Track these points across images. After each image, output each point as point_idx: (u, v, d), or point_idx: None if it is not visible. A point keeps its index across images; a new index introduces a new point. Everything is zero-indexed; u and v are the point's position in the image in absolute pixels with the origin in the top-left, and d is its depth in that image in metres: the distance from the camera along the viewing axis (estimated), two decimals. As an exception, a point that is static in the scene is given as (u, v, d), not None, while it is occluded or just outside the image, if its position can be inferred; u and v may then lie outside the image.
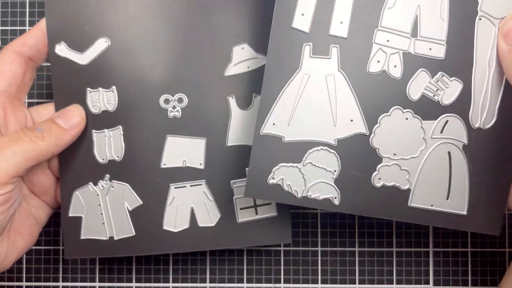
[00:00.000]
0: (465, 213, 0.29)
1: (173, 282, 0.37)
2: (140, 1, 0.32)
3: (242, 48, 0.32)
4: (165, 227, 0.32)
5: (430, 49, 0.27)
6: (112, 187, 0.32)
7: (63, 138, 0.30)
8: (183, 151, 0.32)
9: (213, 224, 0.33)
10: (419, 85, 0.28)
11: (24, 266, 0.37)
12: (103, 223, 0.32)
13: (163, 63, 0.32)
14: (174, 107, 0.32)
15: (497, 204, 0.29)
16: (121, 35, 0.32)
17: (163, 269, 0.37)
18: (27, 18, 0.37)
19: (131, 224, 0.32)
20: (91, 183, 0.32)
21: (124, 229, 0.32)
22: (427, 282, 0.37)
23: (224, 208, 0.33)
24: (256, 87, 0.33)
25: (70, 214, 0.32)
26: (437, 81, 0.28)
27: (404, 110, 0.28)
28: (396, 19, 0.27)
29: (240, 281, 0.37)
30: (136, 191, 0.32)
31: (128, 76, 0.32)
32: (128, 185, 0.32)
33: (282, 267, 0.37)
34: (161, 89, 0.32)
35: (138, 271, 0.37)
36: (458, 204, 0.29)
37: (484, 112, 0.28)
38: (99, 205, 0.32)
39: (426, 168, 0.28)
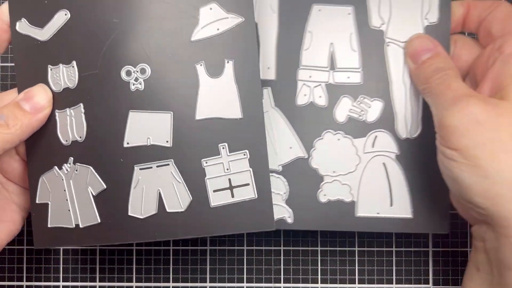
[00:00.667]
0: (411, 216, 0.31)
1: (173, 282, 0.37)
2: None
3: (211, 8, 0.29)
4: (130, 213, 0.29)
5: (348, 77, 0.31)
6: (76, 170, 0.30)
7: (29, 124, 0.29)
8: (147, 127, 0.29)
9: (183, 209, 0.29)
10: (344, 109, 0.31)
11: (25, 265, 0.37)
12: (69, 210, 0.30)
13: (123, 33, 0.29)
14: (136, 79, 0.29)
15: (440, 204, 0.31)
16: (80, 4, 0.29)
17: (163, 269, 0.37)
18: None
19: (96, 210, 0.30)
20: (56, 167, 0.30)
21: (89, 217, 0.30)
22: (426, 282, 0.37)
23: (195, 191, 0.29)
24: (228, 52, 0.29)
25: (38, 201, 0.30)
26: (360, 103, 0.31)
27: (335, 132, 0.31)
28: (314, 58, 0.31)
29: (240, 281, 0.37)
30: (99, 174, 0.29)
31: (87, 49, 0.29)
32: (91, 167, 0.30)
33: (282, 267, 0.37)
34: (122, 60, 0.29)
35: (138, 271, 0.37)
36: (402, 209, 0.31)
37: (408, 124, 0.31)
38: (64, 190, 0.30)
39: (365, 181, 0.31)
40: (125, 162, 0.29)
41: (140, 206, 0.29)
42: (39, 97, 0.29)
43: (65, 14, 0.30)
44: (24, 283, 0.37)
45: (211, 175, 0.29)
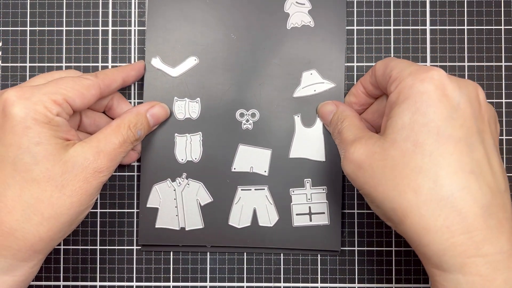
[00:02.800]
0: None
1: (173, 281, 0.38)
2: (227, 27, 0.37)
3: (311, 73, 0.38)
4: (230, 223, 0.37)
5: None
6: (188, 184, 0.37)
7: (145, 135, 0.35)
8: (251, 158, 0.37)
9: (271, 225, 0.37)
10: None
11: None
12: (177, 215, 0.37)
13: (241, 82, 0.37)
14: (247, 120, 0.37)
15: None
16: (208, 55, 0.37)
17: (163, 268, 0.38)
18: (28, 19, 0.39)
19: (201, 217, 0.37)
20: (169, 179, 0.37)
21: (195, 222, 0.37)
22: (426, 281, 0.37)
23: (282, 212, 0.37)
24: (320, 109, 0.38)
25: (148, 205, 0.37)
26: None
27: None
28: None
29: (240, 281, 0.38)
30: (208, 189, 0.37)
31: (211, 90, 0.37)
32: (202, 183, 0.37)
33: (282, 267, 0.38)
34: (238, 104, 0.37)
35: (139, 271, 0.38)
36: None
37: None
38: (175, 199, 0.37)
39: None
40: (230, 182, 0.37)
41: (238, 218, 0.37)
42: (162, 118, 0.36)
43: (195, 60, 0.38)
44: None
45: (296, 201, 0.37)
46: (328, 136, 0.37)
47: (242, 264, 0.38)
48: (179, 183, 0.37)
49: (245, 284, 0.37)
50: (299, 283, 0.37)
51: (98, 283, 0.38)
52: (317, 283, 0.37)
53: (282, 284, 0.37)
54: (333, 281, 0.37)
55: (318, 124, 0.37)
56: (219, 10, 0.37)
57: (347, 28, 0.39)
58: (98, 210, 0.38)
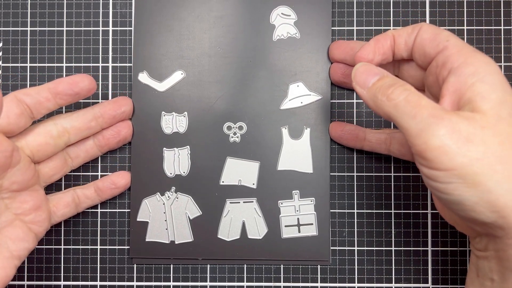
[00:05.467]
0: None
1: (173, 281, 0.38)
2: (213, 40, 0.37)
3: (298, 85, 0.38)
4: (219, 236, 0.37)
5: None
6: (177, 198, 0.37)
7: None
8: (239, 171, 0.37)
9: (260, 237, 0.37)
10: None
11: (26, 265, 0.38)
12: (166, 229, 0.37)
13: (228, 95, 0.37)
14: (235, 133, 0.37)
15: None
16: (195, 69, 0.37)
17: (163, 268, 0.38)
18: (29, 19, 0.39)
19: (191, 231, 0.37)
20: (158, 193, 0.38)
21: (184, 235, 0.37)
22: (426, 281, 0.38)
23: (271, 224, 0.37)
24: (307, 120, 0.38)
25: (138, 219, 0.38)
26: None
27: None
28: None
29: (240, 280, 0.38)
30: (197, 202, 0.37)
31: (198, 104, 0.37)
32: (190, 197, 0.37)
33: (282, 267, 0.38)
34: (225, 117, 0.37)
35: (139, 271, 0.38)
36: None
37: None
38: (164, 212, 0.37)
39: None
40: (219, 196, 0.37)
41: (227, 231, 0.37)
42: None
43: (181, 74, 0.38)
44: (25, 283, 0.38)
45: (284, 213, 0.37)
46: (316, 148, 0.37)
47: (242, 264, 0.38)
48: (168, 197, 0.37)
49: (245, 284, 0.38)
50: (299, 283, 0.38)
51: (98, 283, 0.38)
52: (317, 283, 0.38)
53: (282, 284, 0.38)
54: (333, 281, 0.38)
55: (306, 136, 0.37)
56: (204, 23, 0.37)
57: (347, 28, 0.39)
58: (98, 210, 0.38)
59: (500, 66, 0.38)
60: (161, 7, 0.37)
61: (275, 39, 0.37)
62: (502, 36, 0.38)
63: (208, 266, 0.38)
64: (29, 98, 0.31)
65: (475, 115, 0.25)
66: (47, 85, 0.32)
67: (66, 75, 0.39)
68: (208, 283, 0.38)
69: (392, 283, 0.37)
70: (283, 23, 0.38)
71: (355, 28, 0.39)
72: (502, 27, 0.38)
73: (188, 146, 0.37)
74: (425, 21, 0.39)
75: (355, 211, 0.38)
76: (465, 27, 0.38)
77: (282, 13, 0.37)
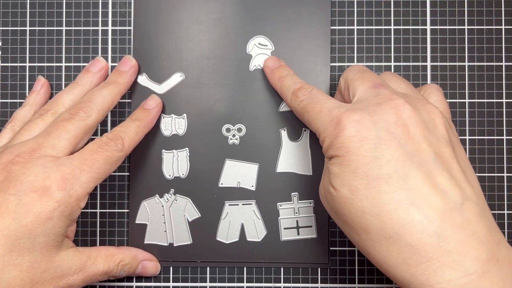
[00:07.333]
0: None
1: (173, 281, 0.38)
2: (212, 43, 0.37)
3: (296, 88, 0.37)
4: (218, 238, 0.37)
5: None
6: (176, 200, 0.37)
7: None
8: (238, 173, 0.37)
9: (259, 240, 0.37)
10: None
11: None
12: (165, 231, 0.37)
13: (227, 98, 0.37)
14: (233, 135, 0.37)
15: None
16: (194, 71, 0.37)
17: (163, 268, 0.38)
18: (28, 19, 0.39)
19: (189, 233, 0.37)
20: (157, 195, 0.38)
21: (183, 238, 0.37)
22: None
23: (270, 226, 0.37)
24: (305, 123, 0.37)
25: (137, 221, 0.38)
26: None
27: None
28: None
29: (240, 281, 0.38)
30: (196, 205, 0.37)
31: (197, 106, 0.37)
32: (189, 199, 0.37)
33: (282, 267, 0.38)
34: (224, 119, 0.37)
35: None
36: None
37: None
38: (163, 215, 0.37)
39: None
40: (218, 198, 0.37)
41: (226, 233, 0.37)
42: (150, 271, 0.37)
43: (180, 76, 0.38)
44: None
45: (283, 216, 0.37)
46: (315, 150, 0.37)
47: (242, 264, 0.38)
48: (167, 199, 0.38)
49: (245, 284, 0.38)
50: (299, 283, 0.37)
51: (98, 283, 0.38)
52: (317, 283, 0.38)
53: (282, 284, 0.37)
54: (333, 281, 0.38)
55: (305, 138, 0.37)
56: (203, 25, 0.37)
57: (347, 28, 0.39)
58: (98, 210, 0.38)
59: (500, 66, 0.38)
60: (160, 10, 0.37)
61: (251, 70, 0.38)
62: (503, 36, 0.38)
63: (208, 266, 0.38)
64: None
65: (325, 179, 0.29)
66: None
67: (65, 75, 0.39)
68: (208, 284, 0.38)
69: (392, 283, 0.37)
70: (260, 53, 0.38)
71: (355, 27, 0.39)
72: (503, 27, 0.38)
73: (187, 148, 0.37)
74: (425, 21, 0.38)
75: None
76: (466, 27, 0.38)
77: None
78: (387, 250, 0.25)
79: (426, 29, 0.38)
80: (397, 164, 0.25)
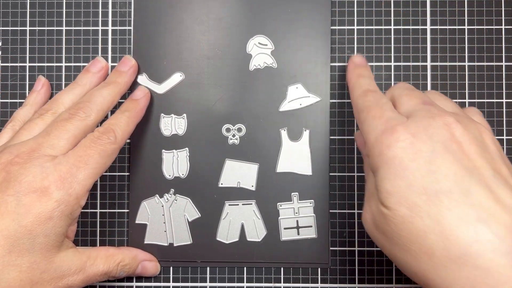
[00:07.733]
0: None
1: (173, 281, 0.38)
2: (212, 43, 0.37)
3: (297, 87, 0.37)
4: (218, 238, 0.37)
5: None
6: (176, 200, 0.37)
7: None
8: (238, 173, 0.37)
9: (259, 240, 0.37)
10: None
11: None
12: (165, 231, 0.37)
13: (227, 98, 0.37)
14: (233, 135, 0.37)
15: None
16: (194, 71, 0.37)
17: (163, 268, 0.38)
18: (28, 19, 0.39)
19: (189, 233, 0.37)
20: (157, 195, 0.38)
21: (183, 238, 0.37)
22: None
23: (270, 227, 0.37)
24: (306, 122, 0.37)
25: (137, 221, 0.38)
26: None
27: None
28: None
29: (240, 281, 0.38)
30: (196, 205, 0.37)
31: (197, 106, 0.37)
32: (189, 199, 0.37)
33: (282, 267, 0.38)
34: (224, 119, 0.37)
35: None
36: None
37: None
38: (163, 215, 0.37)
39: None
40: (218, 198, 0.37)
41: (226, 233, 0.37)
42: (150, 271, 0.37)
43: (180, 76, 0.38)
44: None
45: (283, 216, 0.37)
46: (315, 150, 0.37)
47: (242, 264, 0.38)
48: (167, 199, 0.37)
49: (245, 284, 0.38)
50: (299, 283, 0.37)
51: (98, 283, 0.38)
52: (317, 283, 0.37)
53: (282, 284, 0.37)
54: (333, 281, 0.37)
55: (305, 137, 0.37)
56: (203, 25, 0.37)
57: (347, 28, 0.38)
58: (98, 210, 0.38)
59: (501, 66, 0.38)
60: (160, 10, 0.37)
61: (251, 69, 0.38)
62: (503, 36, 0.38)
63: (208, 266, 0.38)
64: None
65: (377, 204, 0.27)
66: None
67: (65, 75, 0.39)
68: (208, 284, 0.38)
69: (392, 283, 0.37)
70: (260, 52, 0.38)
71: (355, 27, 0.39)
72: (503, 27, 0.38)
73: (187, 148, 0.37)
74: (425, 21, 0.38)
75: (355, 211, 0.38)
76: (466, 27, 0.38)
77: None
78: (453, 274, 0.23)
79: (426, 29, 0.38)
80: (456, 178, 0.24)
